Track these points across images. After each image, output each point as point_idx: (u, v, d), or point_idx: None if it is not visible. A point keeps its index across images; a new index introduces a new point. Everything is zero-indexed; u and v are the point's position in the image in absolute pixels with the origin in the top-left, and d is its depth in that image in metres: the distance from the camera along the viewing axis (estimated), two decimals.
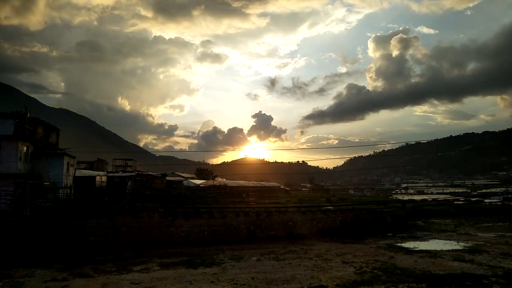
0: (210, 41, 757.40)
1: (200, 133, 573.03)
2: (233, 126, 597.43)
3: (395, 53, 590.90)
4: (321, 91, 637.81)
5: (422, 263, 17.33)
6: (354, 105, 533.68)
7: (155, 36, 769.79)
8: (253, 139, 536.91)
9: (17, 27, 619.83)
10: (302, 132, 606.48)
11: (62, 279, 14.51)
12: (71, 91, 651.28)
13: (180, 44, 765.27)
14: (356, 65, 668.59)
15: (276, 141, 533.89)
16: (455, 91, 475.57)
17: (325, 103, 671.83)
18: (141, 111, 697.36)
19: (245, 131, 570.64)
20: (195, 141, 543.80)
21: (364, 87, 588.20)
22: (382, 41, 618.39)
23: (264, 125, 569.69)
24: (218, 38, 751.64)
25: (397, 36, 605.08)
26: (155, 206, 30.66)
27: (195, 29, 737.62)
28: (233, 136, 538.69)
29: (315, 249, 21.65)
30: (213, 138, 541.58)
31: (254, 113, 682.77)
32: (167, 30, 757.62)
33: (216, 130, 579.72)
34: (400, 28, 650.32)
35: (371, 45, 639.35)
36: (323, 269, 16.07)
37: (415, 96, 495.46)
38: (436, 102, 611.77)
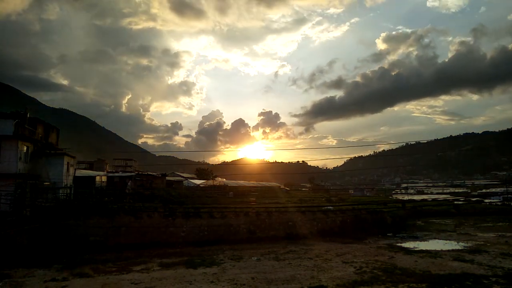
0: (219, 40, 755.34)
1: (206, 124, 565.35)
2: (239, 119, 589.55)
3: (412, 47, 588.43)
4: (333, 84, 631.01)
5: (422, 263, 17.34)
6: (369, 95, 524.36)
7: (162, 34, 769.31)
8: (258, 134, 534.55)
9: (19, 24, 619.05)
10: (307, 129, 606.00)
11: (62, 279, 14.50)
12: (73, 90, 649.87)
13: (189, 43, 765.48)
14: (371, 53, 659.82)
15: (281, 137, 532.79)
16: (483, 80, 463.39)
17: (335, 93, 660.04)
18: (142, 111, 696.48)
19: (251, 130, 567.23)
20: (198, 137, 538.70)
21: (384, 68, 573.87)
22: (392, 39, 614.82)
23: (270, 122, 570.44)
24: (226, 37, 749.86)
25: (412, 31, 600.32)
26: (155, 206, 30.66)
27: (206, 29, 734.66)
28: (238, 131, 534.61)
29: (315, 249, 21.66)
30: (215, 134, 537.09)
31: (260, 112, 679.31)
32: (176, 29, 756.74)
33: (220, 123, 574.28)
34: (409, 31, 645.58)
35: (381, 43, 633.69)
36: (323, 269, 16.07)
37: (436, 85, 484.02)
38: (465, 91, 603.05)
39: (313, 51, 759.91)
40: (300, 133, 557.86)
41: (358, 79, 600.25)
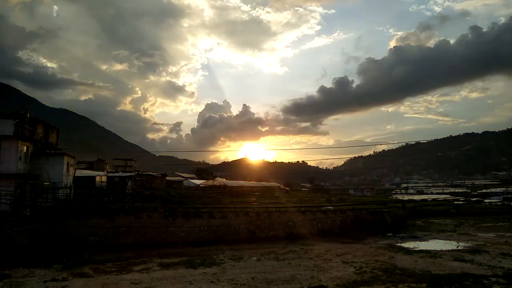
0: (225, 40, 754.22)
1: (208, 115, 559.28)
2: (244, 110, 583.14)
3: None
4: (340, 80, 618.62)
5: (422, 263, 17.32)
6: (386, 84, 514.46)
7: (166, 34, 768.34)
8: (263, 132, 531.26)
9: (25, 21, 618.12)
10: (312, 125, 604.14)
11: (62, 279, 14.49)
12: (76, 88, 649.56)
13: (194, 43, 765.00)
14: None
15: (282, 134, 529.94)
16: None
17: (341, 90, 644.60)
18: (145, 111, 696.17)
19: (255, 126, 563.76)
20: (200, 130, 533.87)
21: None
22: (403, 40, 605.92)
23: (274, 121, 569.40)
24: (232, 38, 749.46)
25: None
26: (155, 206, 30.67)
27: (209, 30, 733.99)
28: (241, 125, 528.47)
29: (315, 249, 21.64)
30: (217, 127, 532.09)
31: (263, 110, 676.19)
32: (181, 29, 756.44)
33: (224, 117, 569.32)
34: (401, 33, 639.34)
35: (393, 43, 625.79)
36: (323, 269, 16.06)
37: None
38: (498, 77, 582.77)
39: (317, 49, 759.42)
40: (303, 130, 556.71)
41: (366, 68, 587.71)
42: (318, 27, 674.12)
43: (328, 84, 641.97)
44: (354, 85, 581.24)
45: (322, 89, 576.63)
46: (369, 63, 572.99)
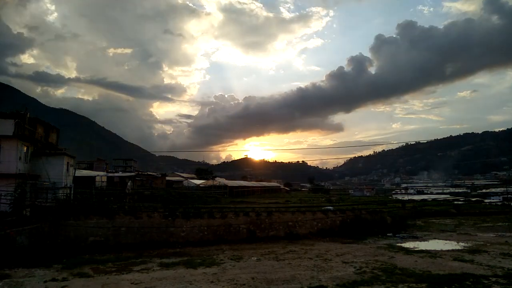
0: (229, 41, 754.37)
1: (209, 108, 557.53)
2: (247, 108, 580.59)
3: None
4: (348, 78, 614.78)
5: (422, 263, 17.31)
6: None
7: (171, 34, 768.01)
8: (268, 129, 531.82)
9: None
10: (320, 121, 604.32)
11: (62, 279, 14.47)
12: (78, 87, 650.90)
13: (199, 43, 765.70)
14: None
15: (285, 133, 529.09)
16: None
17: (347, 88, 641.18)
18: (146, 110, 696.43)
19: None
20: (201, 122, 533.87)
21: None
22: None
23: (278, 119, 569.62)
24: (238, 38, 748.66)
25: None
26: (155, 206, 30.66)
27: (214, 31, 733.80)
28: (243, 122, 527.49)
29: (315, 249, 21.64)
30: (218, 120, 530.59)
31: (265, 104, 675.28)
32: (185, 29, 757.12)
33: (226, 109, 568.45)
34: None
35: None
36: (323, 269, 16.05)
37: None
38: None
39: (319, 49, 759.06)
40: (306, 128, 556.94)
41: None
42: (320, 27, 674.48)
43: (332, 83, 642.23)
44: (357, 81, 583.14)
45: (326, 84, 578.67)
46: (381, 42, 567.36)
